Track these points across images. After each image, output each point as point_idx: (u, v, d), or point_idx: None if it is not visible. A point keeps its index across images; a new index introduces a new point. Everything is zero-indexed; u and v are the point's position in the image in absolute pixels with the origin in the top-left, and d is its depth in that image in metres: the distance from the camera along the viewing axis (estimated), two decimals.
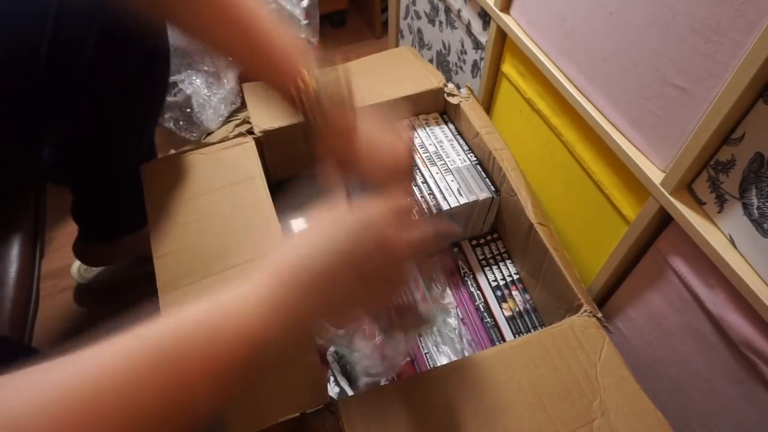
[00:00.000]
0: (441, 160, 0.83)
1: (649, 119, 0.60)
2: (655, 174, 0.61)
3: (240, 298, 0.33)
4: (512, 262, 0.85)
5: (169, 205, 0.70)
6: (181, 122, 1.19)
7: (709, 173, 0.55)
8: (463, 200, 0.77)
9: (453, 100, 0.86)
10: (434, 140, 0.86)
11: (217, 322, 0.32)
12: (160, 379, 0.29)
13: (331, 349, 0.71)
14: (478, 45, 0.98)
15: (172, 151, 0.76)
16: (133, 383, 0.28)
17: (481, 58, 0.98)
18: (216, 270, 0.64)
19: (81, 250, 0.97)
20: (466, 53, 1.04)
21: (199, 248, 0.66)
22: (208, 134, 0.81)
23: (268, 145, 0.82)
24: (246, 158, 0.75)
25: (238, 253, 0.65)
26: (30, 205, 0.72)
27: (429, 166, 0.82)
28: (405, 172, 0.48)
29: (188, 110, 1.16)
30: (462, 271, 0.85)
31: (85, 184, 0.86)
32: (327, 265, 0.34)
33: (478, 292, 0.83)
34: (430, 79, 0.87)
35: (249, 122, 0.80)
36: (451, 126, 0.88)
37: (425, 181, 0.81)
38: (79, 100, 0.64)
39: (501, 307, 0.81)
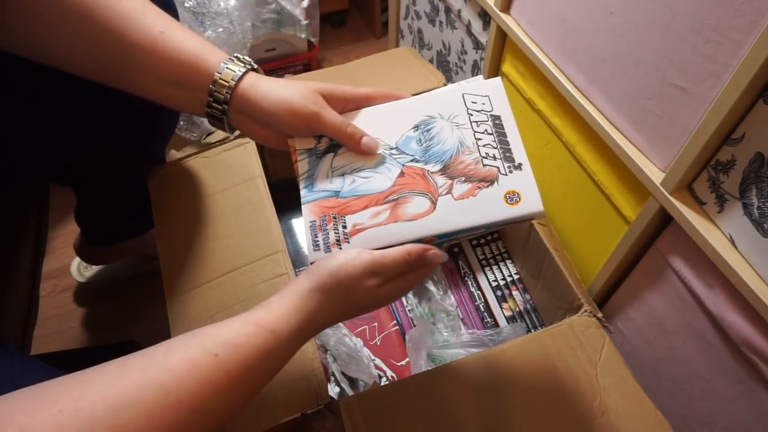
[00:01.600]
0: None
1: (649, 119, 0.61)
2: (655, 174, 0.61)
3: (281, 325, 0.40)
4: (512, 262, 0.85)
5: (174, 211, 0.70)
6: (181, 122, 1.19)
7: (710, 173, 0.55)
8: None
9: None
10: None
11: (272, 350, 0.39)
12: (227, 393, 0.36)
13: (331, 342, 0.71)
14: (478, 45, 0.98)
15: (173, 151, 0.76)
16: (203, 393, 0.35)
17: (482, 58, 0.98)
18: (220, 273, 0.64)
19: (82, 249, 0.97)
20: (466, 53, 1.04)
21: (203, 252, 0.66)
22: (209, 134, 0.81)
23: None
24: (247, 159, 0.75)
25: (241, 255, 0.65)
26: (33, 206, 0.72)
27: None
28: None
29: None
30: (462, 271, 0.85)
31: (92, 193, 0.86)
32: (332, 313, 0.43)
33: (479, 292, 0.83)
34: (430, 79, 0.87)
35: None
36: None
37: None
38: (96, 123, 0.64)
39: (501, 307, 0.81)
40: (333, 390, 0.69)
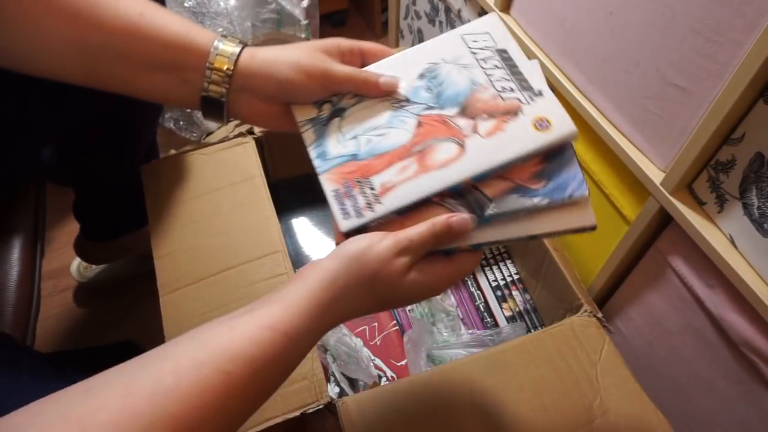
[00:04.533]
0: None
1: (649, 119, 0.60)
2: (655, 174, 0.61)
3: (298, 325, 0.37)
4: (512, 262, 0.85)
5: (169, 206, 0.70)
6: (181, 122, 1.19)
7: (710, 173, 0.55)
8: None
9: None
10: None
11: (288, 354, 0.37)
12: (240, 409, 0.35)
13: (330, 342, 0.71)
14: None
15: (173, 151, 0.76)
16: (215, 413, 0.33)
17: None
18: (216, 270, 0.64)
19: (82, 247, 0.97)
20: None
21: (199, 248, 0.66)
22: (209, 134, 0.81)
23: (268, 145, 0.82)
24: (246, 158, 0.75)
25: (239, 253, 0.65)
26: (30, 205, 0.72)
27: None
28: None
29: (188, 110, 1.16)
30: None
31: (86, 183, 0.86)
32: (350, 301, 0.40)
33: (478, 292, 0.83)
34: None
35: None
36: None
37: None
38: (81, 99, 0.64)
39: (501, 307, 0.81)
40: (333, 390, 0.69)
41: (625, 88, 0.63)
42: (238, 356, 0.34)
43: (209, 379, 0.33)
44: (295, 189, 0.89)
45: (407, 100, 0.45)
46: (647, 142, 0.62)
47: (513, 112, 0.43)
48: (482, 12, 0.91)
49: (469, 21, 0.96)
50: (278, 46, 0.45)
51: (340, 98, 0.46)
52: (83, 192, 0.88)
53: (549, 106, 0.43)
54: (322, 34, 1.49)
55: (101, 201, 0.90)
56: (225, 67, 0.42)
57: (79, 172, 0.84)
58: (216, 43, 0.42)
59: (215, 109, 0.44)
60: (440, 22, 1.11)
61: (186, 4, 1.07)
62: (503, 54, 0.45)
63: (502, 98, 0.43)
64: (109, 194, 0.88)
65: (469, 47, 0.46)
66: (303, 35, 1.29)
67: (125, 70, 0.42)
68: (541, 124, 0.42)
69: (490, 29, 0.46)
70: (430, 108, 0.44)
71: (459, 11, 1.00)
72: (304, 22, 1.26)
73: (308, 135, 0.45)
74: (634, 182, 0.64)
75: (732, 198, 0.54)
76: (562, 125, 0.42)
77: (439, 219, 0.41)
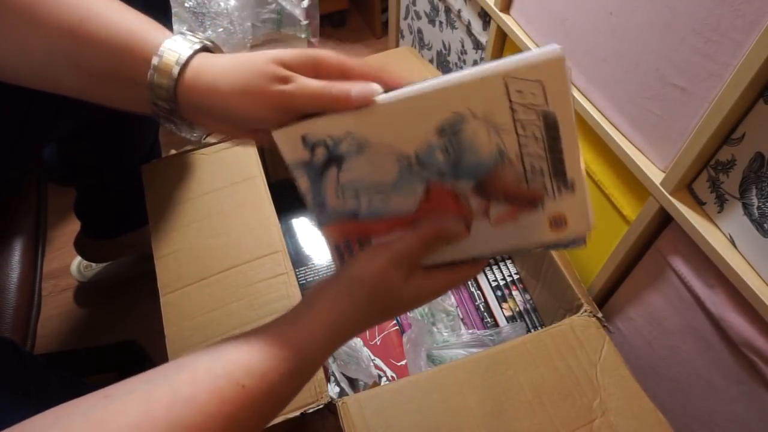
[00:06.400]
0: None
1: (649, 119, 0.61)
2: (655, 174, 0.61)
3: (310, 343, 0.38)
4: (512, 262, 0.85)
5: (169, 206, 0.70)
6: None
7: (709, 173, 0.55)
8: None
9: None
10: None
11: (299, 371, 0.37)
12: (253, 423, 0.35)
13: None
14: (478, 45, 0.98)
15: (173, 151, 0.76)
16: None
17: (482, 59, 0.98)
18: (217, 270, 0.64)
19: (82, 246, 0.97)
20: (466, 53, 1.04)
21: (199, 248, 0.66)
22: (209, 134, 0.81)
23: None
24: (246, 158, 0.75)
25: (239, 253, 0.65)
26: (31, 206, 0.72)
27: None
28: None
29: None
30: None
31: (87, 181, 0.86)
32: (356, 322, 0.41)
33: (478, 292, 0.83)
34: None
35: None
36: None
37: None
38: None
39: (501, 307, 0.81)
40: (333, 390, 0.69)
41: (625, 88, 0.63)
42: (253, 371, 0.35)
43: (225, 391, 0.33)
44: (295, 189, 0.89)
45: (417, 159, 0.37)
46: (647, 142, 0.62)
47: (532, 203, 0.37)
48: (482, 12, 0.91)
49: (469, 21, 0.97)
50: (234, 56, 0.37)
51: (337, 144, 0.38)
52: (84, 190, 0.88)
53: (574, 204, 0.36)
54: (322, 35, 1.49)
55: (102, 199, 0.90)
56: (166, 81, 0.35)
57: (81, 170, 0.84)
58: (165, 45, 0.35)
59: (172, 124, 0.39)
60: (440, 22, 1.11)
61: (186, 5, 1.07)
62: (548, 119, 0.34)
63: (527, 181, 0.36)
64: (111, 192, 0.88)
65: (511, 101, 0.34)
66: (303, 35, 1.29)
67: (69, 76, 0.38)
68: (557, 223, 0.37)
69: (545, 77, 0.33)
70: (442, 175, 0.37)
71: (459, 11, 1.00)
72: (305, 22, 1.26)
73: (303, 180, 0.41)
74: (634, 182, 0.64)
75: (732, 198, 0.54)
76: (579, 226, 0.37)
77: (427, 229, 0.40)
